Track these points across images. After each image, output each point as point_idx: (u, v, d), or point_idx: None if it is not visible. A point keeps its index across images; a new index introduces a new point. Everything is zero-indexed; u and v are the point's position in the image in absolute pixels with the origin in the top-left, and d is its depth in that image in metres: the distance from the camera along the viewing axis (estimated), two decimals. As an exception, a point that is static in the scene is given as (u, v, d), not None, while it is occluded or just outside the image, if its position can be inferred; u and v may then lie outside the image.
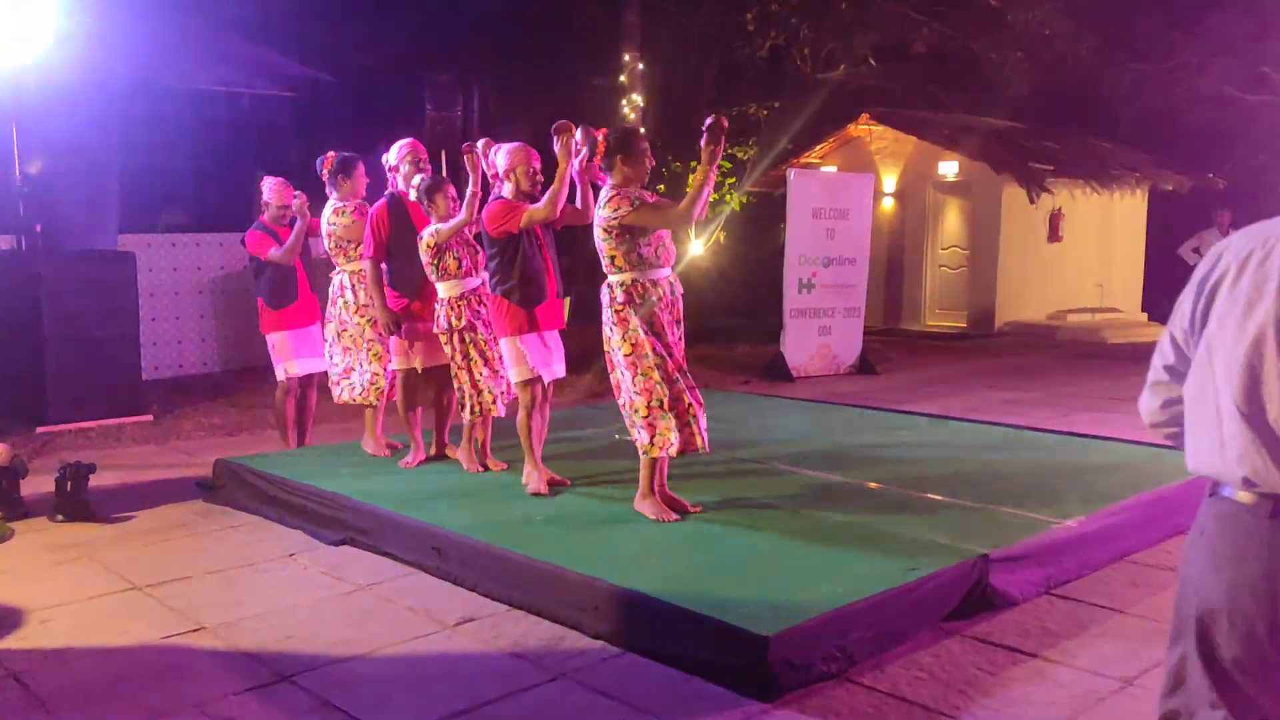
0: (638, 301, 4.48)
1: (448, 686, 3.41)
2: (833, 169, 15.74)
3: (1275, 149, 14.97)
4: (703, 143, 4.35)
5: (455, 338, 5.38)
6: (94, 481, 5.59)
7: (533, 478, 5.11)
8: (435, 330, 5.47)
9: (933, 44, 16.98)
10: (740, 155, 18.37)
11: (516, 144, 5.14)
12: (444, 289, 5.39)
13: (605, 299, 4.56)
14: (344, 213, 5.98)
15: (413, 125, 10.47)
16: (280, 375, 6.41)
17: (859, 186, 11.28)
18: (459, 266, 5.37)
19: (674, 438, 4.46)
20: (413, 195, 5.58)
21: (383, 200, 5.73)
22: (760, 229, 16.10)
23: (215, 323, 10.49)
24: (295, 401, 6.52)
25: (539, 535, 4.45)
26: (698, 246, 13.94)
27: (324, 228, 6.05)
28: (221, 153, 10.76)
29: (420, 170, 5.76)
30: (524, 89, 14.31)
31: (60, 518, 5.40)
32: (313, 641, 3.79)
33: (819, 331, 10.84)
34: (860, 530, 4.47)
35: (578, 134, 4.82)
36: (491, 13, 14.14)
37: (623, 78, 11.64)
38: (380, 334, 5.87)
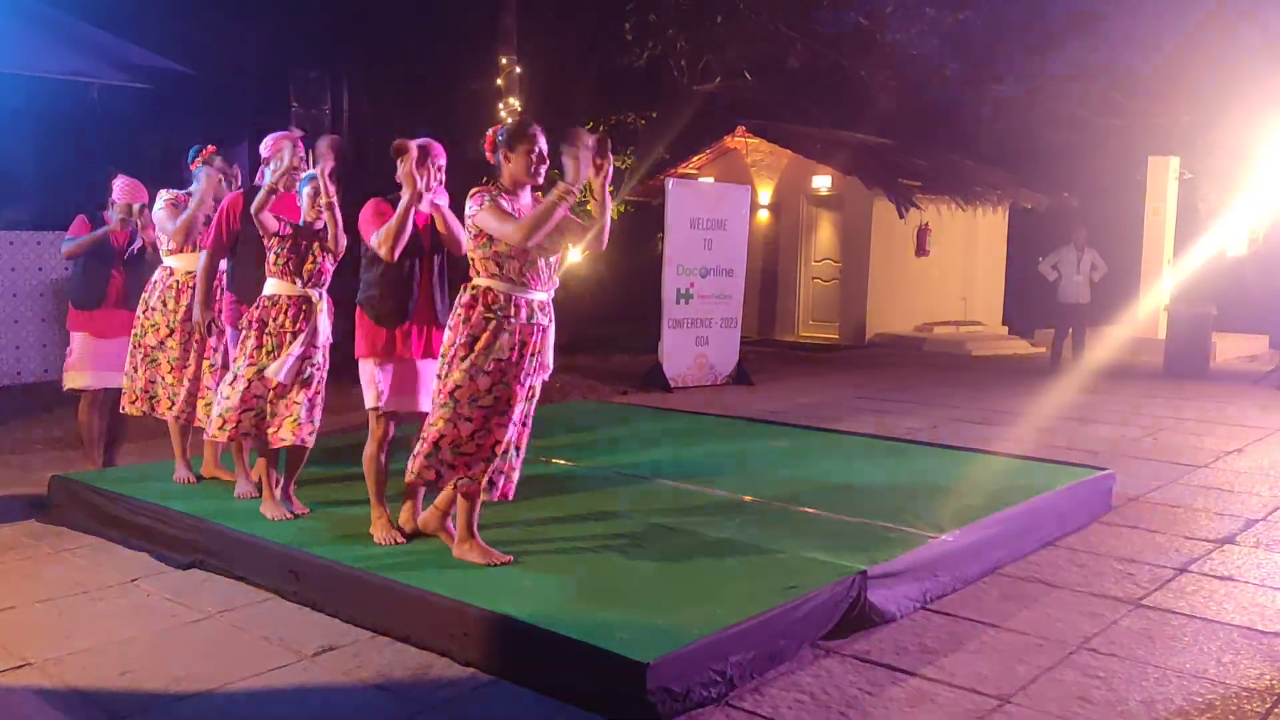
0: (489, 311, 3.97)
1: (303, 724, 3.17)
2: (710, 180, 15.82)
3: (1125, 170, 15.73)
4: (569, 157, 3.84)
5: (251, 334, 4.74)
6: (-91, 501, 5.10)
7: (380, 525, 4.44)
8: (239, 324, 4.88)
9: (806, 60, 17.31)
10: (619, 164, 18.33)
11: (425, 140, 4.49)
12: (271, 286, 4.76)
13: (458, 298, 4.11)
14: (160, 199, 5.49)
15: (277, 122, 10.02)
16: (65, 384, 5.90)
17: (736, 198, 11.33)
18: (274, 263, 4.72)
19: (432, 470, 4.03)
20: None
21: (238, 192, 5.24)
22: (638, 238, 16.09)
23: (59, 328, 9.79)
24: (100, 414, 6.01)
25: (404, 557, 4.22)
26: (576, 254, 13.81)
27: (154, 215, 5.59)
28: (68, 147, 10.05)
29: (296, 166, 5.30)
30: (397, 89, 13.93)
31: None
32: (153, 677, 3.47)
33: (696, 342, 10.83)
34: (738, 547, 4.39)
35: (415, 152, 4.28)
36: (364, 10, 13.71)
37: (499, 81, 11.42)
38: (186, 341, 5.41)
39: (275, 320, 4.73)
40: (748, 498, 5.26)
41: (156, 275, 5.57)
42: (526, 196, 4.18)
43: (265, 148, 5.31)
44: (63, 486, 5.42)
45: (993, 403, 9.84)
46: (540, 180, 4.19)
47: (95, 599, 4.24)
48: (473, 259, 4.09)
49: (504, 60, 11.32)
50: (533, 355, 4.09)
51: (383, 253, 4.30)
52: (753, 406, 9.28)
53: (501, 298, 4.02)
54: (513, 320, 4.01)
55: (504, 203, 4.03)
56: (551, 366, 4.25)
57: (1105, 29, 15.19)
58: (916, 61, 16.48)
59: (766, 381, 11.31)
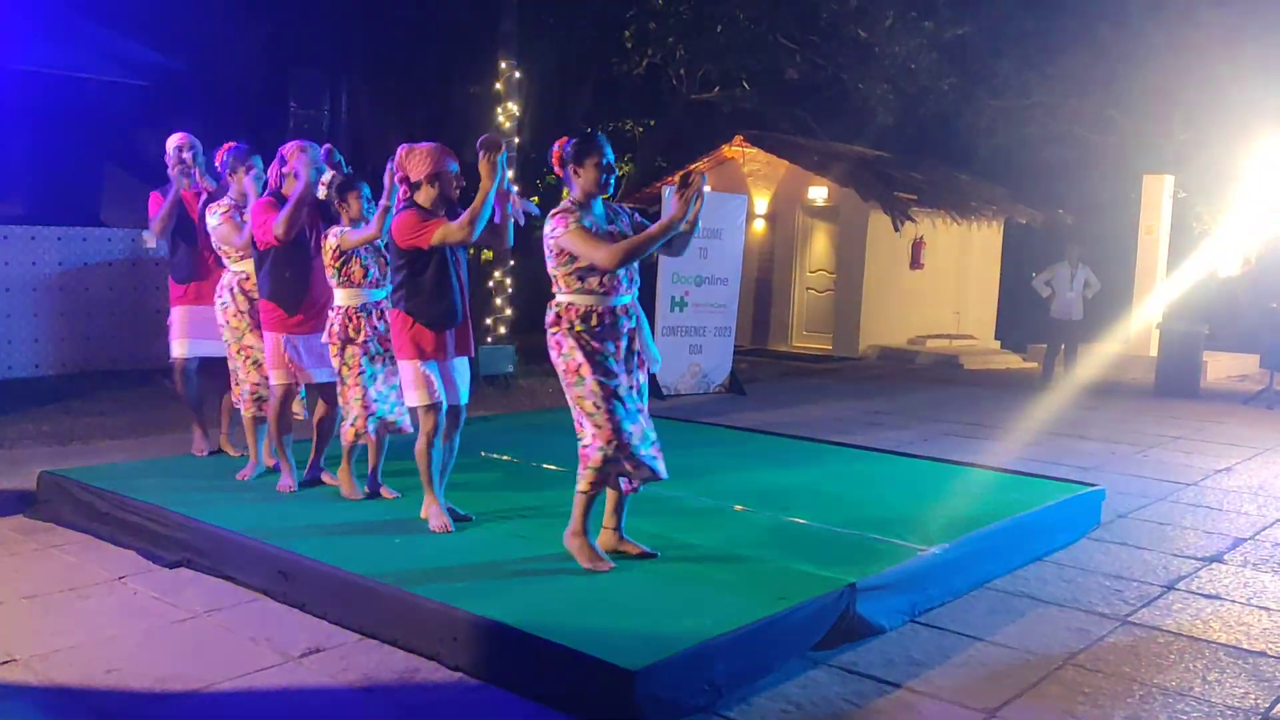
0: (573, 326, 4.10)
1: (289, 726, 3.16)
2: (706, 189, 15.84)
3: (1120, 188, 15.79)
4: (672, 193, 4.04)
5: (350, 350, 4.99)
6: (-103, 495, 5.08)
7: (432, 512, 4.68)
8: (325, 340, 5.06)
9: (804, 72, 17.35)
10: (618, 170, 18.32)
11: (434, 145, 4.63)
12: (343, 296, 4.99)
13: (546, 319, 4.22)
14: (215, 212, 5.59)
15: (276, 122, 10.02)
16: (173, 353, 6.17)
17: (733, 207, 11.34)
18: (365, 275, 4.99)
19: (602, 473, 4.16)
20: (321, 194, 5.18)
21: (269, 196, 5.31)
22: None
23: (51, 323, 9.78)
24: (189, 386, 6.19)
25: (393, 559, 4.22)
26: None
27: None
28: (64, 142, 10.04)
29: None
30: (396, 91, 13.93)
31: None
32: (139, 676, 3.47)
33: (690, 350, 10.83)
34: (728, 557, 4.39)
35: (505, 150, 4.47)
36: (364, 12, 13.72)
37: (498, 85, 11.41)
38: (259, 341, 5.50)
39: (377, 328, 5.03)
40: (738, 507, 5.27)
41: (227, 280, 5.64)
42: (599, 206, 4.23)
43: (290, 156, 5.31)
44: (52, 482, 5.40)
45: (984, 417, 9.86)
46: (609, 190, 4.24)
47: (82, 596, 4.23)
48: (555, 275, 4.16)
49: (503, 65, 11.31)
50: (631, 354, 4.22)
51: (465, 235, 4.45)
52: (745, 416, 9.29)
53: (587, 310, 4.12)
54: (601, 329, 4.11)
55: (589, 224, 4.10)
56: (659, 360, 4.36)
57: (1102, 46, 15.26)
58: (914, 75, 16.54)
59: (759, 391, 11.32)
